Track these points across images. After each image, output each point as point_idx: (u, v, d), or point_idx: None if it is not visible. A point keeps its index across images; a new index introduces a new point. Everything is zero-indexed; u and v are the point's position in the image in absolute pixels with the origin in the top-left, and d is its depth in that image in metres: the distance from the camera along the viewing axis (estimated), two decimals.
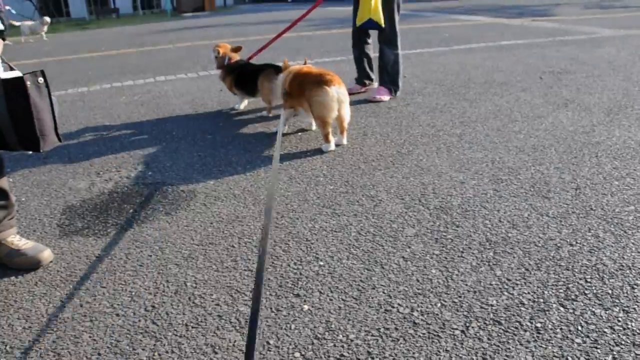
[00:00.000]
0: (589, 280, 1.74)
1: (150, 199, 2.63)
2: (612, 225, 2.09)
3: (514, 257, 1.90)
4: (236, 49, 4.24)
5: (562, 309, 1.60)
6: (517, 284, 1.74)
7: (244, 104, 4.38)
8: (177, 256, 2.06)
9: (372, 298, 1.71)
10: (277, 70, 3.77)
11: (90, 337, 1.61)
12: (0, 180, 1.98)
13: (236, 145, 3.39)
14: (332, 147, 3.19)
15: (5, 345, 1.59)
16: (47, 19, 15.07)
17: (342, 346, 1.50)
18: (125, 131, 3.89)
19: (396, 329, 1.56)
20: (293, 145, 3.33)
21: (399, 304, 1.67)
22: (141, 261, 2.03)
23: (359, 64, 4.64)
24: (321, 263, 1.94)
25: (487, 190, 2.49)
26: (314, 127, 3.59)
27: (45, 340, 1.60)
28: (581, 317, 1.55)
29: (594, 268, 1.80)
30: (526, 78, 5.00)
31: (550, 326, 1.52)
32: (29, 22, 15.00)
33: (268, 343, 1.53)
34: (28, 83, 1.78)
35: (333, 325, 1.59)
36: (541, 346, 1.44)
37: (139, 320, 1.67)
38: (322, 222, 2.27)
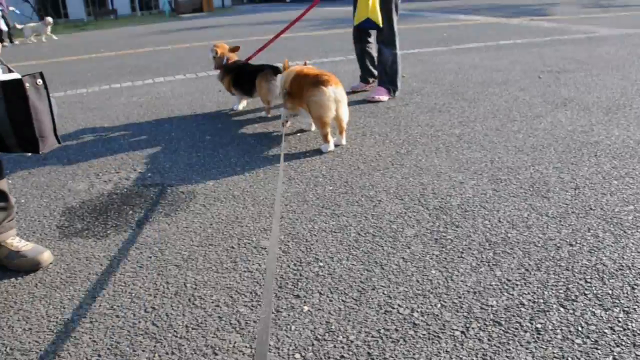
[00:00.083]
0: (589, 280, 1.74)
1: (149, 200, 2.63)
2: (611, 225, 2.10)
3: (513, 258, 1.90)
4: (234, 49, 4.24)
5: (562, 309, 1.60)
6: (517, 285, 1.74)
7: (243, 105, 4.38)
8: (177, 257, 2.06)
9: (372, 299, 1.71)
10: (275, 70, 3.77)
11: (90, 338, 1.60)
12: (0, 181, 1.98)
13: (235, 146, 3.39)
14: (331, 147, 3.19)
15: (6, 347, 1.59)
16: (50, 19, 15.10)
17: (342, 347, 1.50)
18: (124, 132, 3.89)
19: (396, 330, 1.56)
20: (292, 145, 3.33)
21: (399, 305, 1.67)
22: (141, 262, 2.03)
23: (361, 62, 4.65)
24: (321, 264, 1.94)
25: (486, 190, 2.49)
26: (313, 127, 3.59)
27: (45, 341, 1.60)
28: (581, 318, 1.55)
29: (593, 268, 1.81)
30: (524, 77, 5.00)
31: (550, 327, 1.52)
32: (32, 24, 15.04)
33: (268, 344, 1.53)
34: (27, 85, 1.78)
35: (333, 327, 1.59)
36: (541, 347, 1.44)
37: (139, 322, 1.67)
38: (321, 223, 2.27)
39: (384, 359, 1.44)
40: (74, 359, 1.52)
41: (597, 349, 1.42)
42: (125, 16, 31.39)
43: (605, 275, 1.76)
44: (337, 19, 14.25)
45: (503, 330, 1.52)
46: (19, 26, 14.71)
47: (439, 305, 1.66)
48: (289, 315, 1.66)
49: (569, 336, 1.48)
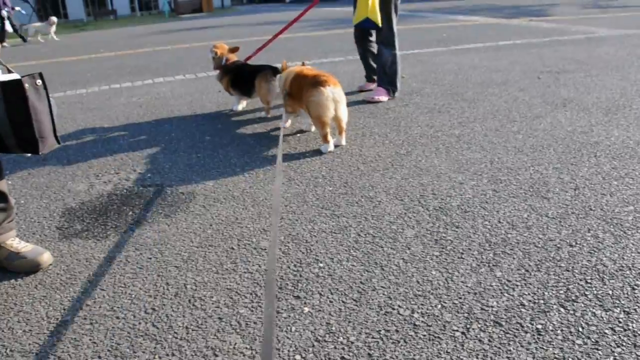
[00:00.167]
0: (589, 281, 1.74)
1: (149, 201, 2.63)
2: (611, 226, 2.09)
3: (513, 258, 1.90)
4: (233, 50, 4.24)
5: (562, 310, 1.60)
6: (517, 285, 1.74)
7: (242, 105, 4.38)
8: (177, 258, 2.06)
9: (373, 300, 1.71)
10: (275, 71, 3.78)
11: (90, 340, 1.60)
12: (0, 182, 1.98)
13: (235, 147, 3.39)
14: (331, 147, 3.19)
15: (6, 349, 1.58)
16: (54, 19, 15.17)
17: (343, 348, 1.50)
18: (124, 133, 3.89)
19: (397, 330, 1.56)
20: (292, 146, 3.33)
21: (399, 306, 1.67)
22: (141, 264, 2.03)
23: (365, 62, 4.65)
24: (321, 265, 1.94)
25: (486, 191, 2.49)
26: (313, 128, 3.59)
27: (45, 343, 1.60)
28: (582, 319, 1.55)
29: (594, 269, 1.81)
30: (524, 78, 5.00)
31: (550, 327, 1.52)
32: (37, 24, 15.11)
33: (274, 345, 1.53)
34: (26, 85, 1.78)
35: (333, 328, 1.59)
36: (542, 348, 1.44)
37: (139, 323, 1.67)
38: (321, 224, 2.27)
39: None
40: None
41: (597, 349, 1.42)
42: (125, 16, 31.39)
43: (605, 276, 1.76)
44: (336, 20, 14.26)
45: (503, 331, 1.52)
46: (24, 26, 14.80)
47: (439, 306, 1.66)
48: (289, 316, 1.66)
49: (570, 337, 1.48)
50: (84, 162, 3.27)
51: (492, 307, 1.64)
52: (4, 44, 13.81)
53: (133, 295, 1.82)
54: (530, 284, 1.74)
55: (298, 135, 3.56)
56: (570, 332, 1.50)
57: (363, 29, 4.35)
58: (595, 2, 15.51)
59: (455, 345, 1.48)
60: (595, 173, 2.63)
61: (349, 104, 3.22)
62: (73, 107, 4.89)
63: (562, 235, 2.05)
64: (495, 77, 5.10)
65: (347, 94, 4.33)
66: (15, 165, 3.26)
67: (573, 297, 1.66)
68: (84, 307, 1.77)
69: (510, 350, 1.44)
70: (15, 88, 1.77)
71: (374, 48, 4.49)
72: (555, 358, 1.40)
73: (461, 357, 1.43)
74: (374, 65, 4.62)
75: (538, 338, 1.48)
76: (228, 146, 3.42)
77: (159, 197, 2.66)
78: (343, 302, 1.71)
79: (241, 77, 4.01)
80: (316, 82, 3.04)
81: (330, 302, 1.72)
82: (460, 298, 1.69)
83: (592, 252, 1.91)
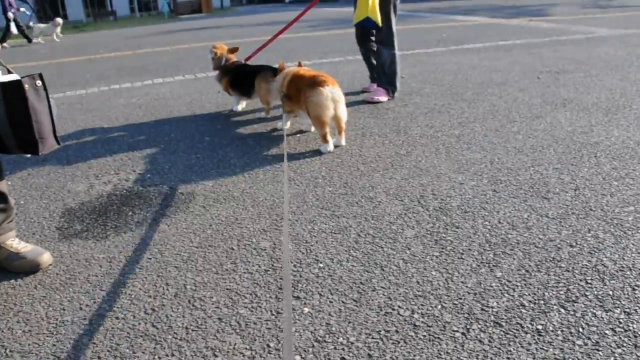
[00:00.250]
0: (589, 281, 1.74)
1: (149, 201, 2.62)
2: (611, 226, 2.09)
3: (514, 259, 1.90)
4: (233, 50, 4.23)
5: (562, 310, 1.60)
6: (517, 286, 1.74)
7: (242, 106, 4.38)
8: (177, 259, 2.05)
9: (373, 300, 1.71)
10: (274, 71, 3.77)
11: (89, 340, 1.60)
12: (0, 183, 1.98)
13: (234, 147, 3.39)
14: (331, 147, 3.19)
15: (5, 349, 1.58)
16: (59, 20, 15.26)
17: (343, 349, 1.50)
18: (124, 133, 3.89)
19: (397, 331, 1.56)
20: (292, 147, 3.33)
21: (399, 306, 1.67)
22: (140, 264, 2.03)
23: (367, 62, 4.63)
24: (321, 265, 1.94)
25: (486, 191, 2.49)
26: (313, 129, 3.59)
27: (45, 343, 1.60)
28: (582, 319, 1.55)
29: (594, 269, 1.80)
30: (524, 78, 5.00)
31: (551, 328, 1.52)
32: (42, 25, 15.19)
33: (268, 346, 1.53)
34: (26, 86, 1.78)
35: (333, 328, 1.59)
36: (542, 348, 1.44)
37: (139, 324, 1.67)
38: (321, 224, 2.26)
39: None
40: None
41: (598, 350, 1.42)
42: (124, 17, 31.40)
43: (605, 276, 1.76)
44: (336, 20, 14.26)
45: (504, 332, 1.52)
46: (30, 24, 14.88)
47: (439, 307, 1.66)
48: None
49: (570, 337, 1.48)
50: (83, 162, 3.27)
51: (492, 307, 1.63)
52: (4, 44, 13.86)
53: (133, 296, 1.82)
54: (530, 284, 1.74)
55: (298, 135, 3.56)
56: (571, 332, 1.50)
57: (364, 29, 4.35)
58: (595, 2, 15.52)
59: (456, 346, 1.48)
60: (595, 173, 2.63)
61: (348, 105, 3.22)
62: (73, 107, 4.89)
63: (563, 235, 2.04)
64: (495, 77, 5.10)
65: (347, 94, 4.34)
66: (15, 166, 3.26)
67: (573, 298, 1.65)
68: (83, 308, 1.77)
69: (510, 351, 1.44)
70: (15, 89, 1.77)
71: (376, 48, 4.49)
72: (556, 359, 1.40)
73: (461, 357, 1.43)
74: None
75: (538, 339, 1.48)
76: (227, 147, 3.42)
77: (158, 198, 2.66)
78: (343, 302, 1.71)
79: (241, 77, 4.01)
80: (315, 83, 3.05)
81: (330, 302, 1.72)
82: (460, 298, 1.69)
83: (593, 252, 1.91)
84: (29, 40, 14.32)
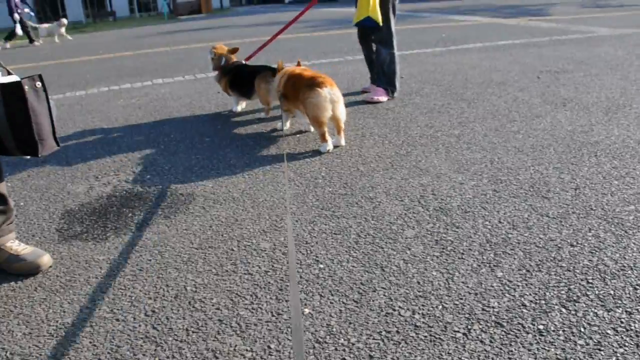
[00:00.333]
0: (590, 281, 1.73)
1: (149, 202, 2.62)
2: (612, 225, 2.09)
3: (514, 259, 1.90)
4: (233, 51, 4.23)
5: (564, 310, 1.59)
6: (518, 286, 1.73)
7: (242, 106, 4.37)
8: (177, 260, 2.05)
9: (373, 301, 1.71)
10: (274, 72, 3.77)
11: (90, 342, 1.60)
12: None
13: (234, 148, 3.39)
14: (330, 146, 3.19)
15: (6, 352, 1.58)
16: (64, 20, 15.32)
17: (344, 350, 1.49)
18: (123, 134, 3.88)
19: (397, 332, 1.55)
20: (291, 147, 3.33)
21: (400, 307, 1.67)
22: (141, 265, 2.03)
23: (368, 62, 4.62)
24: (321, 266, 1.94)
25: (486, 191, 2.49)
26: (312, 128, 3.58)
27: (46, 346, 1.59)
28: (584, 319, 1.55)
29: (595, 269, 1.80)
30: (523, 78, 5.00)
31: (552, 328, 1.52)
32: (46, 25, 15.25)
33: (269, 347, 1.53)
34: (26, 87, 1.77)
35: (334, 329, 1.58)
36: (544, 348, 1.44)
37: (139, 325, 1.66)
38: (321, 225, 2.26)
39: None
40: None
41: (600, 350, 1.42)
42: (124, 18, 31.41)
43: (607, 276, 1.75)
44: (336, 20, 14.25)
45: (505, 332, 1.52)
46: (35, 25, 14.92)
47: (440, 307, 1.65)
48: (289, 317, 1.65)
49: (572, 337, 1.47)
50: (83, 163, 3.27)
51: (493, 307, 1.63)
52: (7, 45, 13.92)
53: (133, 298, 1.82)
54: (531, 284, 1.74)
55: (297, 135, 3.56)
56: (572, 332, 1.49)
57: (365, 29, 4.34)
58: (594, 1, 15.51)
59: (457, 346, 1.47)
60: (595, 172, 2.63)
61: (348, 105, 3.22)
62: (72, 109, 4.89)
63: (563, 235, 2.04)
64: (495, 77, 5.10)
65: (346, 94, 4.34)
66: (15, 168, 3.26)
67: (574, 298, 1.65)
68: (84, 310, 1.76)
69: (512, 351, 1.44)
70: (14, 90, 1.76)
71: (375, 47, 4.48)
72: (558, 359, 1.40)
73: (462, 358, 1.43)
74: None
75: (540, 339, 1.48)
76: (227, 147, 3.41)
77: (158, 199, 2.65)
78: (344, 303, 1.71)
79: (240, 78, 4.00)
80: (313, 84, 3.05)
81: (331, 303, 1.71)
82: (461, 299, 1.69)
83: (594, 252, 1.91)
84: (31, 41, 14.35)
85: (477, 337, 1.50)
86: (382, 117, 3.89)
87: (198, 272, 1.95)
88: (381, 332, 1.56)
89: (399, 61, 4.37)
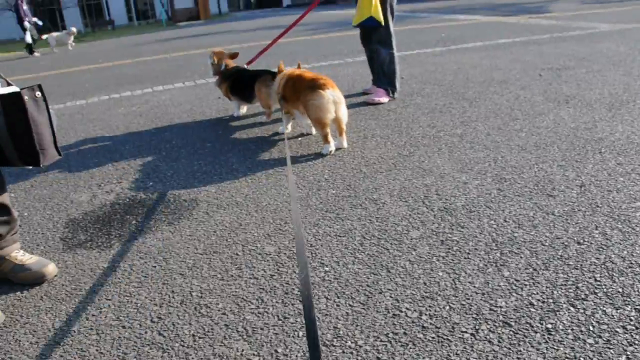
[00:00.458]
0: (598, 279, 1.72)
1: (152, 209, 2.62)
2: (619, 222, 2.08)
3: (521, 257, 1.88)
4: (233, 56, 4.23)
5: (572, 309, 1.58)
6: (525, 285, 1.72)
7: (243, 111, 4.37)
8: (182, 266, 2.04)
9: (380, 303, 1.70)
10: (274, 75, 3.77)
11: (97, 350, 1.59)
12: (2, 195, 1.97)
13: (236, 153, 3.38)
14: (332, 147, 3.18)
15: None
16: (74, 29, 15.44)
17: (351, 352, 1.48)
18: (125, 142, 3.88)
19: (405, 333, 1.54)
20: (294, 150, 3.32)
21: (406, 308, 1.66)
22: (145, 272, 2.02)
23: (370, 63, 4.61)
24: (327, 269, 1.93)
25: (490, 190, 2.48)
26: (314, 131, 3.58)
27: (53, 354, 1.59)
28: (592, 317, 1.53)
29: (603, 266, 1.79)
30: (525, 76, 4.99)
31: (561, 327, 1.50)
32: (56, 33, 15.35)
33: (276, 351, 1.52)
34: (25, 98, 1.77)
35: (341, 332, 1.58)
36: (553, 347, 1.43)
37: (146, 332, 1.66)
38: (325, 227, 2.25)
39: None
40: None
41: (609, 348, 1.41)
42: (123, 26, 31.51)
43: (614, 273, 1.74)
44: (335, 23, 14.26)
45: (513, 332, 1.50)
46: (43, 36, 15.01)
47: (447, 308, 1.64)
48: (296, 321, 1.65)
49: (581, 336, 1.46)
50: (86, 172, 3.27)
51: (500, 307, 1.62)
52: (36, 53, 14.07)
53: (139, 304, 1.81)
54: (538, 283, 1.72)
55: (299, 138, 3.55)
56: (581, 331, 1.48)
57: (366, 29, 4.33)
58: None
59: (465, 347, 1.46)
60: (600, 169, 2.62)
61: (349, 107, 3.21)
62: (73, 118, 4.90)
63: (570, 233, 2.03)
64: (496, 76, 5.09)
65: (347, 96, 4.33)
66: (18, 178, 3.26)
67: (582, 296, 1.64)
68: (89, 318, 1.76)
69: (520, 351, 1.42)
70: (14, 101, 1.76)
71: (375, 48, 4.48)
72: (567, 358, 1.38)
73: (471, 358, 1.42)
74: None
75: (548, 338, 1.47)
76: (229, 152, 3.41)
77: (161, 205, 2.65)
78: (350, 305, 1.70)
79: (240, 82, 4.00)
80: (315, 86, 3.04)
81: (337, 306, 1.70)
82: (468, 299, 1.67)
83: (601, 249, 1.90)
84: (30, 52, 14.41)
85: (485, 338, 1.49)
86: (383, 118, 3.89)
87: (203, 277, 1.95)
88: (388, 334, 1.55)
89: (399, 62, 4.36)
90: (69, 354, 1.58)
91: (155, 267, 2.05)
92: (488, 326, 1.54)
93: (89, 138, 4.08)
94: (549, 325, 1.51)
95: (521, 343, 1.46)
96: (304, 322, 1.64)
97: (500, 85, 4.68)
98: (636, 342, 1.42)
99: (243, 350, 1.54)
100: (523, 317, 1.56)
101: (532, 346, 1.44)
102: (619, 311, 1.55)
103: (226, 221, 2.41)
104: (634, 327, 1.47)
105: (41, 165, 1.86)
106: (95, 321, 1.74)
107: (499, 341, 1.47)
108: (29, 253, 2.11)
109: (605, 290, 1.66)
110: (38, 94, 1.84)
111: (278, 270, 1.95)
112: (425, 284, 1.78)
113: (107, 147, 3.78)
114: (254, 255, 2.08)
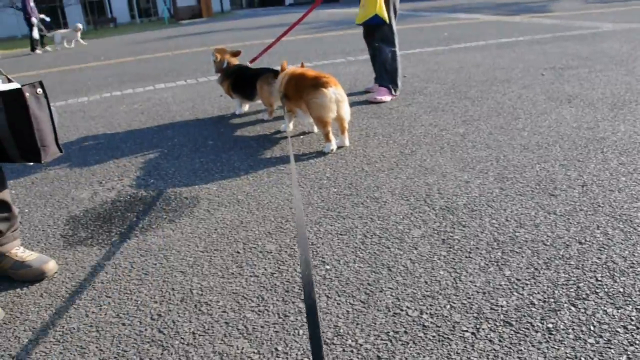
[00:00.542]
0: (599, 278, 1.71)
1: (153, 206, 2.62)
2: (620, 222, 2.07)
3: (522, 257, 1.88)
4: (235, 54, 4.23)
5: (573, 308, 1.58)
6: (526, 284, 1.71)
7: (245, 108, 4.37)
8: (182, 264, 2.04)
9: (380, 301, 1.69)
10: (276, 73, 3.77)
11: (97, 347, 1.59)
12: (3, 192, 1.97)
13: (238, 150, 3.38)
14: (334, 146, 3.18)
15: (13, 358, 1.57)
16: (80, 25, 15.49)
17: (352, 351, 1.48)
18: (127, 139, 3.88)
19: (405, 332, 1.54)
20: (295, 148, 3.32)
21: (407, 307, 1.65)
22: (146, 270, 2.02)
23: (374, 62, 4.60)
24: (328, 267, 1.92)
25: (492, 189, 2.47)
26: (316, 129, 3.58)
27: (52, 351, 1.59)
28: (593, 317, 1.53)
29: (604, 266, 1.78)
30: (527, 75, 4.98)
31: (562, 326, 1.50)
32: (62, 31, 15.42)
33: (276, 349, 1.51)
34: (27, 94, 1.77)
35: (342, 330, 1.57)
36: (553, 347, 1.42)
37: (146, 330, 1.66)
38: (327, 226, 2.25)
39: None
40: None
41: (610, 348, 1.40)
42: (125, 24, 31.53)
43: (616, 273, 1.73)
44: (338, 21, 14.24)
45: (514, 331, 1.50)
46: (49, 34, 15.07)
47: (448, 307, 1.64)
48: (296, 319, 1.64)
49: (581, 336, 1.46)
50: (87, 169, 3.27)
51: (501, 306, 1.62)
52: (47, 47, 14.12)
53: (139, 302, 1.81)
54: (539, 282, 1.72)
55: (301, 137, 3.55)
56: (582, 330, 1.48)
57: (370, 28, 4.33)
58: None
59: (465, 346, 1.46)
60: (602, 169, 2.61)
61: (351, 105, 3.21)
62: (75, 115, 4.90)
63: (571, 232, 2.02)
64: (498, 75, 5.08)
65: (349, 95, 4.32)
66: (19, 174, 3.26)
67: (584, 295, 1.63)
68: (90, 315, 1.76)
69: (521, 350, 1.42)
70: (15, 97, 1.76)
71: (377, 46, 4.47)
72: (568, 357, 1.38)
73: (471, 357, 1.41)
74: None
75: (549, 337, 1.46)
76: (231, 150, 3.41)
77: (163, 203, 2.65)
78: (351, 304, 1.69)
79: (242, 80, 4.00)
80: (318, 84, 3.04)
81: (338, 304, 1.70)
82: (469, 298, 1.67)
83: (602, 249, 1.89)
84: (32, 49, 14.45)
85: (486, 337, 1.49)
86: (385, 117, 3.88)
87: (204, 275, 1.95)
88: (389, 332, 1.54)
89: (401, 60, 4.35)
90: (69, 351, 1.58)
91: (155, 264, 2.05)
92: (489, 325, 1.53)
93: (91, 135, 4.08)
94: (550, 325, 1.51)
95: (522, 342, 1.45)
96: (304, 320, 1.64)
97: (503, 84, 4.67)
98: (637, 342, 1.41)
99: (243, 348, 1.53)
100: (524, 316, 1.56)
101: (532, 345, 1.43)
102: (620, 311, 1.54)
103: (227, 219, 2.40)
104: (634, 327, 1.47)
105: (42, 162, 1.86)
106: (95, 318, 1.74)
107: (499, 340, 1.47)
108: (30, 250, 2.11)
109: (606, 290, 1.65)
110: (39, 90, 1.84)
111: (279, 268, 1.95)
112: (426, 282, 1.78)
113: (108, 145, 3.78)
114: (254, 253, 2.08)
